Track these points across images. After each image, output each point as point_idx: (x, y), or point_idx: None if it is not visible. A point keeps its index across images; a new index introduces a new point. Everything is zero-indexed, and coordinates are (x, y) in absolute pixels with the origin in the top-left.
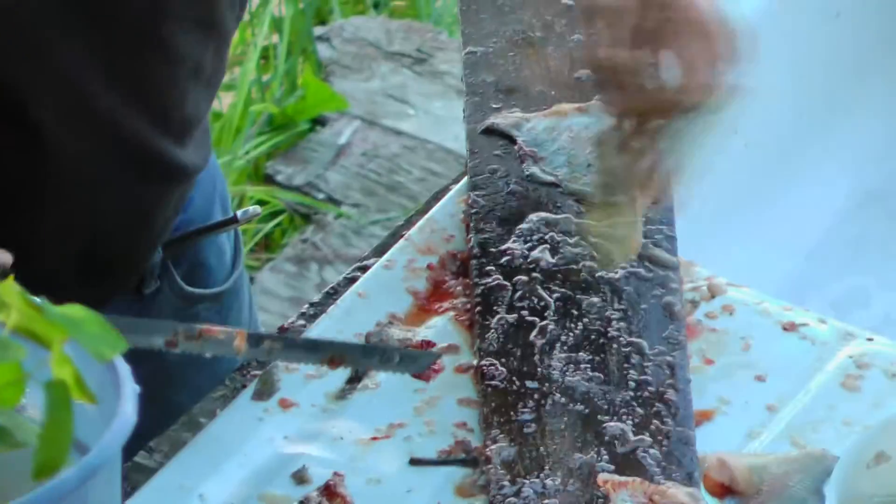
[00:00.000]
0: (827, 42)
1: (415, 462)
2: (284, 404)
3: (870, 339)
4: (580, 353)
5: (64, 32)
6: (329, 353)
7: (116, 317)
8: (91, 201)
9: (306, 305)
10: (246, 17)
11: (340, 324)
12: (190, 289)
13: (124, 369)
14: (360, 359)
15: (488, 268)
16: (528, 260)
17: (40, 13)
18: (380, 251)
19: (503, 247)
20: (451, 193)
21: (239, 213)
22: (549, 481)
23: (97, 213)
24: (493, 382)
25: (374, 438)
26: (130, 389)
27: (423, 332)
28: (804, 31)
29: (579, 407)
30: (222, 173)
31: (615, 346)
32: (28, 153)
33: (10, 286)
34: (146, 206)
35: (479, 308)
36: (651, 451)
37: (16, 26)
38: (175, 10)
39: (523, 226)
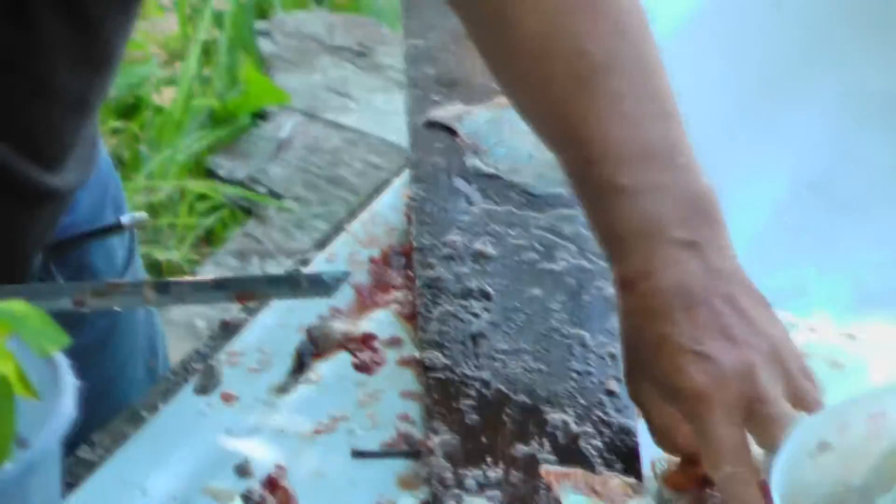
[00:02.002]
0: (767, 33)
1: (357, 454)
2: (226, 398)
3: (811, 330)
4: (522, 345)
5: None
6: (237, 289)
7: (20, 286)
8: None
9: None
10: (188, 11)
11: (282, 318)
12: None
13: (65, 364)
14: (269, 289)
15: (430, 260)
16: (471, 252)
17: None
18: (321, 244)
19: (445, 239)
20: (393, 186)
21: (124, 218)
22: (491, 472)
23: None
24: (435, 374)
25: (317, 431)
26: (70, 384)
27: (365, 325)
28: (744, 21)
29: (521, 398)
30: (117, 176)
31: (557, 337)
32: None
33: None
34: (13, 224)
35: (421, 300)
36: (593, 441)
37: None
38: (55, 50)
39: (465, 218)
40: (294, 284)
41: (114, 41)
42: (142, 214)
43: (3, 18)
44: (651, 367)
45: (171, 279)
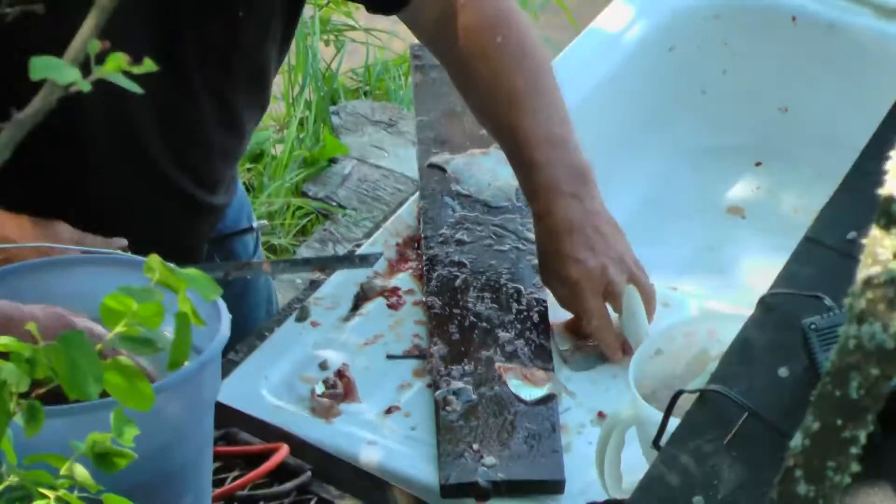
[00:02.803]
0: (628, 102)
1: (390, 357)
2: (314, 324)
3: (651, 285)
4: (484, 293)
5: (140, 114)
6: (317, 264)
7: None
8: (151, 218)
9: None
10: (291, 99)
11: (345, 278)
12: None
13: (223, 304)
14: (334, 264)
15: (431, 244)
16: (454, 239)
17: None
18: (368, 235)
19: (439, 231)
20: (409, 201)
21: (255, 224)
22: (466, 366)
23: (159, 226)
24: (434, 311)
25: (366, 343)
26: (226, 317)
27: (393, 282)
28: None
29: (483, 324)
30: (247, 198)
31: (504, 288)
32: (95, 176)
33: (155, 257)
34: (192, 228)
35: (425, 267)
36: (525, 349)
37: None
38: (210, 122)
39: (451, 220)
40: (350, 260)
41: (246, 120)
42: (263, 222)
43: (178, 95)
44: (552, 266)
45: (280, 259)
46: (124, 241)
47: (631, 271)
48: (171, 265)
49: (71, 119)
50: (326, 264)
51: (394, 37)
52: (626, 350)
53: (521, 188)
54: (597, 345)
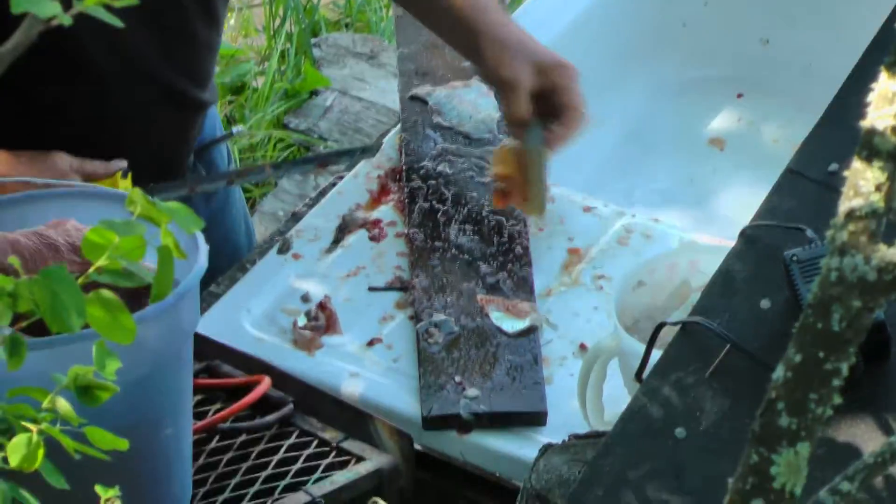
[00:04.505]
0: (614, 36)
1: (372, 289)
2: (296, 256)
3: (633, 216)
4: (466, 225)
5: (135, 27)
6: (320, 160)
7: (191, 177)
8: (146, 128)
9: (308, 199)
10: (272, 31)
11: (328, 208)
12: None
13: (201, 237)
14: (338, 158)
15: (413, 176)
16: (436, 171)
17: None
18: (350, 167)
19: (421, 164)
20: (391, 133)
21: (234, 130)
22: (448, 299)
23: (153, 134)
24: (416, 243)
25: (348, 276)
26: (203, 249)
27: (375, 214)
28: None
29: (465, 256)
30: (216, 108)
31: (486, 220)
32: (98, 97)
33: (137, 191)
34: (185, 126)
35: (407, 200)
36: (507, 281)
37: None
38: (192, 11)
39: (432, 151)
40: (352, 153)
41: (220, 11)
42: (241, 127)
43: None
44: (493, 46)
45: (282, 161)
46: (124, 163)
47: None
48: (153, 198)
49: (65, 37)
50: (329, 160)
51: None
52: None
53: (468, 54)
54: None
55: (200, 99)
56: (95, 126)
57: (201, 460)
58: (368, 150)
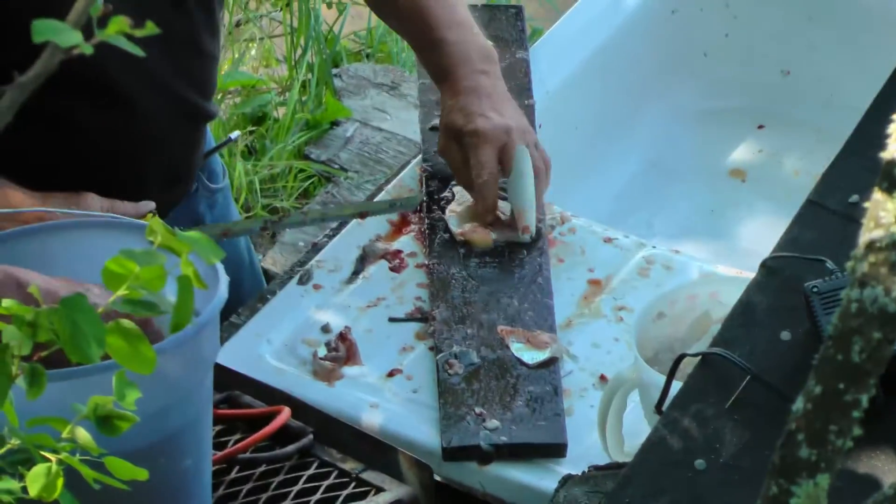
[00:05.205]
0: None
1: (392, 320)
2: (316, 287)
3: (653, 247)
4: (486, 256)
5: (151, 42)
6: (359, 212)
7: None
8: (162, 142)
9: (328, 230)
10: (293, 62)
11: (348, 239)
12: (211, 185)
13: (221, 268)
14: (378, 210)
15: (433, 207)
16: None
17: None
18: (371, 198)
19: (441, 195)
20: (411, 164)
21: (232, 135)
22: (469, 330)
23: (167, 148)
24: (436, 274)
25: (368, 306)
26: (224, 280)
27: (396, 244)
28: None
29: (486, 287)
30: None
31: (506, 251)
32: (121, 116)
33: (157, 221)
34: (196, 137)
35: (428, 230)
36: (529, 312)
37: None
38: (200, 26)
39: (452, 182)
40: (392, 205)
41: (219, 20)
42: (238, 133)
43: (172, 8)
44: (456, 125)
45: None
46: (152, 205)
47: (529, 141)
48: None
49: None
50: (367, 210)
51: None
52: (511, 223)
53: (429, 69)
54: (489, 227)
55: (208, 110)
56: (115, 142)
57: (221, 491)
58: (409, 202)
